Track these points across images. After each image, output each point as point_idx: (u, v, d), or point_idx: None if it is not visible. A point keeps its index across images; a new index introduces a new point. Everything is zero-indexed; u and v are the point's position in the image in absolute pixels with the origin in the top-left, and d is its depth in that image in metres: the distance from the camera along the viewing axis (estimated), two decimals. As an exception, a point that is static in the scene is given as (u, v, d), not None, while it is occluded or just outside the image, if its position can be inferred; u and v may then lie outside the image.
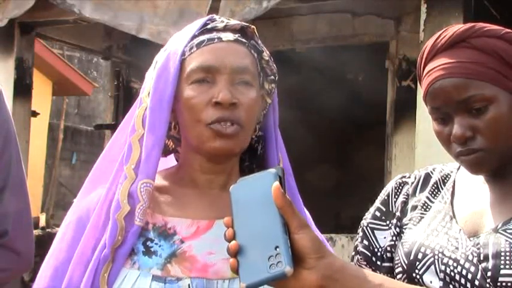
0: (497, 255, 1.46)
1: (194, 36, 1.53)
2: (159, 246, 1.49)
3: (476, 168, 1.54)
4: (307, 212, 1.62)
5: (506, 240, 1.47)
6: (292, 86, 7.80)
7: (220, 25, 1.54)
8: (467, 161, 1.53)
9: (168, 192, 1.55)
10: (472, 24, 1.56)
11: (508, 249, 1.46)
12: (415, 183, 1.68)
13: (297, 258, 1.20)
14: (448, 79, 1.51)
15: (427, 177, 1.68)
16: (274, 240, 1.20)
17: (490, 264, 1.46)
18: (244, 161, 1.61)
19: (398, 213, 1.66)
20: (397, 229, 1.64)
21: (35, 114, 7.55)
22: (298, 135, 7.70)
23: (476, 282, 1.46)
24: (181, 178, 1.57)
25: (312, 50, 7.03)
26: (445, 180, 1.66)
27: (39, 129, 10.72)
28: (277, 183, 1.22)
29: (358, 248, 1.68)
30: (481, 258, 1.48)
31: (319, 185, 8.00)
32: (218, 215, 1.50)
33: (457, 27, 1.56)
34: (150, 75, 1.56)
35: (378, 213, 1.68)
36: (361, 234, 1.69)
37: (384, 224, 1.67)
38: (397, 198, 1.68)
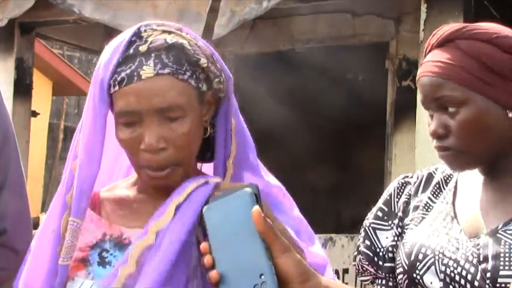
0: (496, 257, 1.46)
1: (118, 64, 1.42)
2: (114, 256, 1.48)
3: (450, 166, 1.56)
4: (285, 191, 1.58)
5: (506, 242, 1.47)
6: (291, 86, 7.80)
7: (143, 48, 1.43)
8: (441, 157, 1.56)
9: (127, 203, 1.54)
10: (464, 24, 1.56)
11: (507, 251, 1.46)
12: (417, 183, 1.68)
13: (281, 282, 1.16)
14: (427, 77, 1.54)
15: (430, 177, 1.68)
16: (259, 268, 1.15)
17: (490, 265, 1.46)
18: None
19: (400, 214, 1.66)
20: (399, 229, 1.64)
21: (35, 114, 7.54)
22: (298, 135, 7.69)
23: (476, 283, 1.46)
24: (137, 187, 1.55)
25: (311, 50, 7.02)
26: (447, 181, 1.66)
27: (39, 129, 10.71)
28: (257, 206, 1.16)
29: (360, 248, 1.68)
30: (481, 259, 1.48)
31: (319, 185, 8.00)
32: None
33: (450, 26, 1.57)
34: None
35: (380, 214, 1.68)
36: (363, 234, 1.69)
37: (386, 224, 1.66)
38: (399, 199, 1.68)
